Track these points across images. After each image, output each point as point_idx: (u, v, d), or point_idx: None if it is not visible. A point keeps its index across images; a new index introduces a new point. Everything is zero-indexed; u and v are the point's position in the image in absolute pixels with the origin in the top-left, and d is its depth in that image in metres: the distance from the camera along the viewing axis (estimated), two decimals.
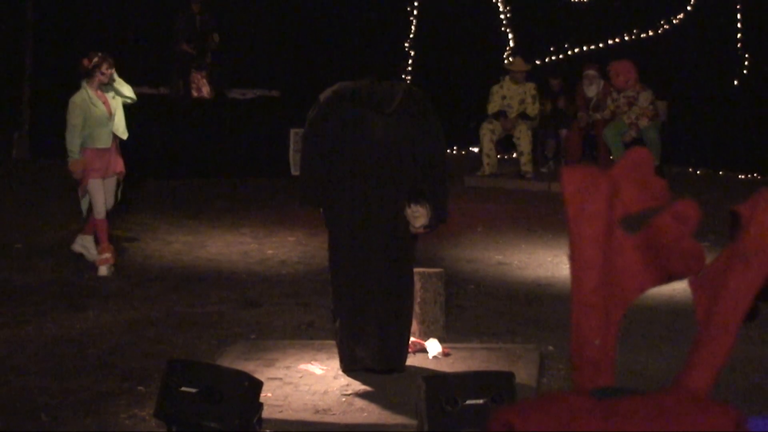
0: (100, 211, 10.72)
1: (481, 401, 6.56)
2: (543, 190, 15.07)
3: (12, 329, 9.06)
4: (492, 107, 15.55)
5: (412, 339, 8.18)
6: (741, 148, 15.85)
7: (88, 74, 10.64)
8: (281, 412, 7.20)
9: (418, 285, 8.42)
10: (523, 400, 2.39)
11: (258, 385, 6.73)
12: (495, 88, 15.59)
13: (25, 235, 11.87)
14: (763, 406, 7.44)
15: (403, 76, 16.54)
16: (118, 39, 15.47)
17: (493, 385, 6.67)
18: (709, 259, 2.36)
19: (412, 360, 8.05)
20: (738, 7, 16.39)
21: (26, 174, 14.69)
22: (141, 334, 8.95)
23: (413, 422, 6.83)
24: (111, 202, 10.87)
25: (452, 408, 6.53)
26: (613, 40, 16.95)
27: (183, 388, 6.55)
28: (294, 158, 14.79)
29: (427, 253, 10.55)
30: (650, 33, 16.89)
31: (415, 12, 17.22)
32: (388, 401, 7.36)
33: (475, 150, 16.60)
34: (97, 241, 10.82)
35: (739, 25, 16.43)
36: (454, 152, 16.66)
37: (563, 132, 15.84)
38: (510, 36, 17.16)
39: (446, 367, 7.98)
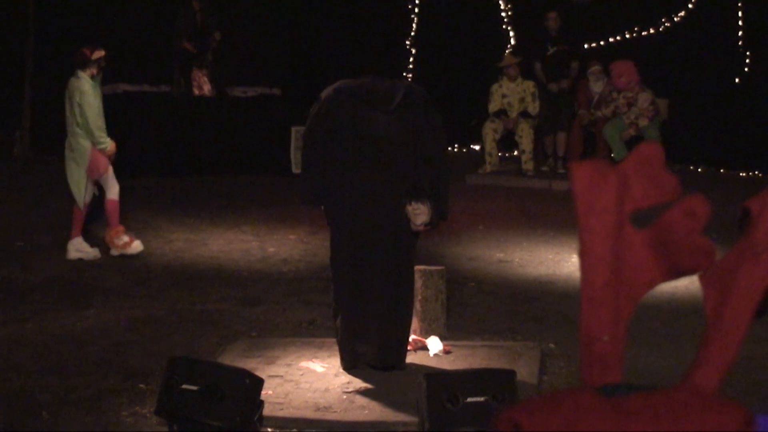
0: (82, 202, 10.82)
1: (482, 399, 6.56)
2: (544, 188, 15.07)
3: (13, 327, 9.05)
4: (493, 106, 15.55)
5: (413, 337, 8.18)
6: (742, 146, 15.84)
7: (86, 64, 10.65)
8: (282, 409, 7.18)
9: (419, 282, 8.41)
10: (530, 398, 2.37)
11: (259, 383, 6.73)
12: (494, 87, 15.59)
13: (26, 233, 11.86)
14: (765, 403, 7.43)
15: (404, 74, 16.55)
16: (119, 37, 15.45)
17: (494, 382, 6.67)
18: (716, 255, 2.35)
19: (412, 357, 8.04)
20: (739, 4, 16.39)
21: (27, 172, 14.67)
22: (142, 332, 8.93)
23: (414, 420, 6.83)
24: (97, 193, 11.03)
25: (453, 405, 6.53)
26: (615, 38, 16.94)
27: (184, 386, 6.54)
28: (295, 156, 14.78)
29: (428, 251, 10.54)
30: (651, 31, 16.88)
31: (416, 10, 17.21)
32: (389, 399, 7.34)
33: (476, 147, 16.60)
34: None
35: (740, 22, 16.42)
36: (455, 150, 16.65)
37: (561, 135, 15.77)
38: (511, 34, 17.14)
39: (447, 364, 7.96)
